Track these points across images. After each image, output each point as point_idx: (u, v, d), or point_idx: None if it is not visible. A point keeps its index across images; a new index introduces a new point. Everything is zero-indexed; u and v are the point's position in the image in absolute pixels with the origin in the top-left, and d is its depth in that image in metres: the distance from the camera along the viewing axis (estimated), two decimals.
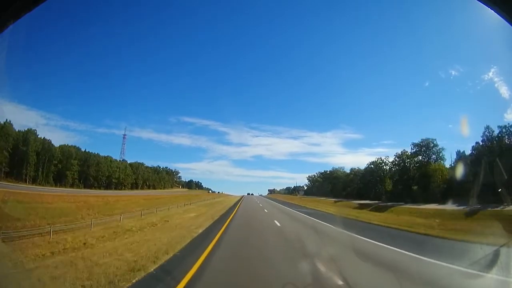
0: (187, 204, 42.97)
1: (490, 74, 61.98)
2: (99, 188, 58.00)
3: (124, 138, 79.32)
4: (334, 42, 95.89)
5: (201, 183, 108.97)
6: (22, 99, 74.35)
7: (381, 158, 55.70)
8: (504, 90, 57.68)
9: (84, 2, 73.81)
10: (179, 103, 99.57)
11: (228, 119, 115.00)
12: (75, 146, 59.19)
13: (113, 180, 62.33)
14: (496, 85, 59.50)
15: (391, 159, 52.97)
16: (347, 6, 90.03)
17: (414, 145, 47.98)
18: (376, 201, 46.72)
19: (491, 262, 7.49)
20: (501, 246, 8.91)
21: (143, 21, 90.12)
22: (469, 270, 7.38)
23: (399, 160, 50.52)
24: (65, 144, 57.23)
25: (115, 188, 61.62)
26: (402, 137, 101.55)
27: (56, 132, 77.04)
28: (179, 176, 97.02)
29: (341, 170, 75.08)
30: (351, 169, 68.77)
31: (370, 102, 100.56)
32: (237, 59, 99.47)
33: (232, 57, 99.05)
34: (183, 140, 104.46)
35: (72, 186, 53.79)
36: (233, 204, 47.46)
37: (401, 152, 50.43)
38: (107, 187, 60.22)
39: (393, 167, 52.49)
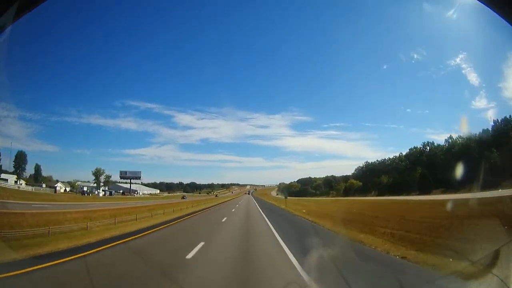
0: None
1: (458, 60, 62.55)
2: None
3: None
4: (281, 21, 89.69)
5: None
6: None
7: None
8: (472, 77, 57.97)
9: None
10: (123, 86, 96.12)
11: (172, 101, 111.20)
12: None
13: None
14: (463, 71, 59.56)
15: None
16: None
17: None
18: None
19: None
20: None
21: None
22: None
23: None
24: None
25: None
26: (355, 119, 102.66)
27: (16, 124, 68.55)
28: None
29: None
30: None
31: (320, 83, 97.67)
32: (179, 40, 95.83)
33: (174, 39, 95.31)
34: (130, 124, 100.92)
35: None
36: None
37: None
38: None
39: None
